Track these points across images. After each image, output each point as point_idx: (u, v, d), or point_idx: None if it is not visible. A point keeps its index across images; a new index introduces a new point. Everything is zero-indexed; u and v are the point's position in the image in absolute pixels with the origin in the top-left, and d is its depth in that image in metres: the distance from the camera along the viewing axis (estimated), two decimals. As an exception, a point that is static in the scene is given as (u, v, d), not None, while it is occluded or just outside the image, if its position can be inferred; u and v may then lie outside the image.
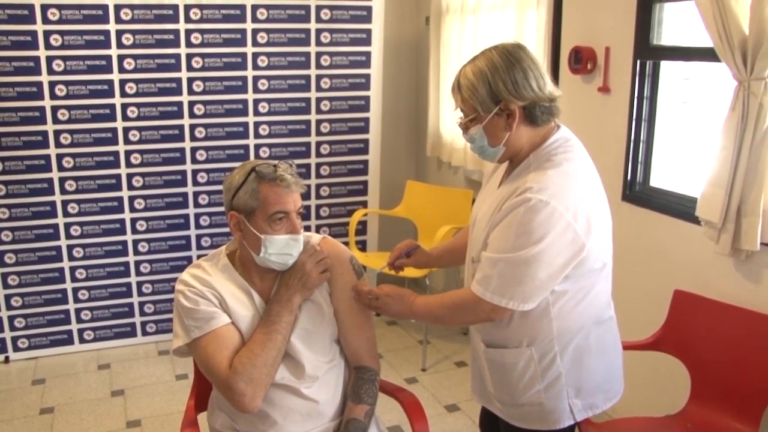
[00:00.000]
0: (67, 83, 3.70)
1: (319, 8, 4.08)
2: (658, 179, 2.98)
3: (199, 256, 2.02)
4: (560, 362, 1.84)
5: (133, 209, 4.00)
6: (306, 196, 4.28)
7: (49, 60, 3.64)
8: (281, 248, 1.85)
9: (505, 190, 1.78)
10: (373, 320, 2.07)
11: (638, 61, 2.89)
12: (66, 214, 3.88)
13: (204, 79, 3.94)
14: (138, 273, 4.12)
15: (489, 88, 1.71)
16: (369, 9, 4.20)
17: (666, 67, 2.88)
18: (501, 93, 1.70)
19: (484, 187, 2.03)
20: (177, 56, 3.86)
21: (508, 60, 1.71)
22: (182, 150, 4.01)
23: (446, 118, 4.44)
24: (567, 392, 1.86)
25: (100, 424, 3.34)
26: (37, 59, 3.62)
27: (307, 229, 4.27)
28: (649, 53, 2.85)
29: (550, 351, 1.83)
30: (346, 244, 4.11)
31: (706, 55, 2.50)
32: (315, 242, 1.99)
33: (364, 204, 4.52)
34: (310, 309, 1.94)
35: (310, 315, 1.93)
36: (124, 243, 4.04)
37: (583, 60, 3.11)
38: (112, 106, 3.81)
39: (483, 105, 1.73)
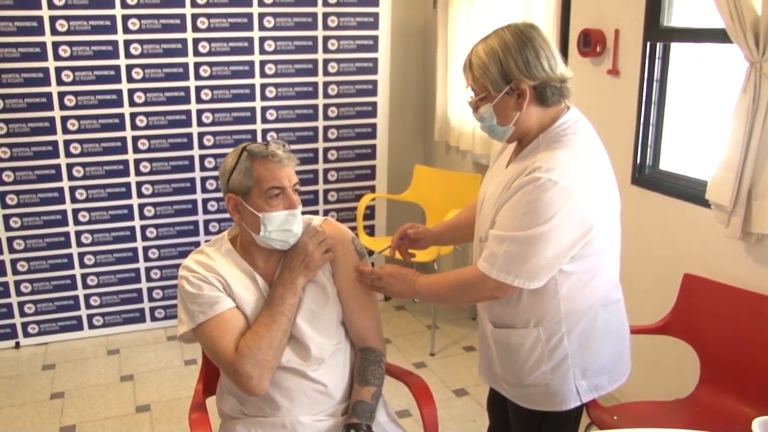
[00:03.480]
0: (73, 69, 3.69)
1: (326, -8, 4.06)
2: (668, 163, 2.95)
3: (207, 242, 2.03)
4: (567, 343, 1.84)
5: (141, 194, 4.00)
6: (313, 180, 4.31)
7: (56, 46, 3.63)
8: (280, 225, 1.85)
9: (513, 169, 1.78)
10: (377, 301, 2.07)
11: (648, 44, 2.85)
12: (74, 199, 3.88)
13: (211, 64, 3.93)
14: (146, 259, 4.13)
15: (500, 67, 1.71)
16: (376, -8, 4.17)
17: (676, 49, 2.85)
18: (512, 72, 1.70)
19: (491, 168, 2.03)
20: (184, 41, 3.84)
21: (520, 39, 1.71)
22: (189, 135, 4.00)
23: (454, 103, 4.42)
24: (573, 373, 1.87)
25: (110, 409, 3.36)
26: (43, 45, 3.61)
27: (315, 213, 4.26)
28: (659, 35, 2.82)
29: (558, 332, 1.83)
30: (354, 228, 4.12)
31: (718, 36, 2.47)
32: (317, 224, 2.00)
33: (372, 189, 4.50)
34: (314, 291, 1.94)
35: (314, 296, 1.93)
36: (132, 228, 4.05)
37: (592, 42, 3.08)
38: (119, 92, 3.80)
39: (494, 84, 1.73)
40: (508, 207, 1.72)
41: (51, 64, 3.65)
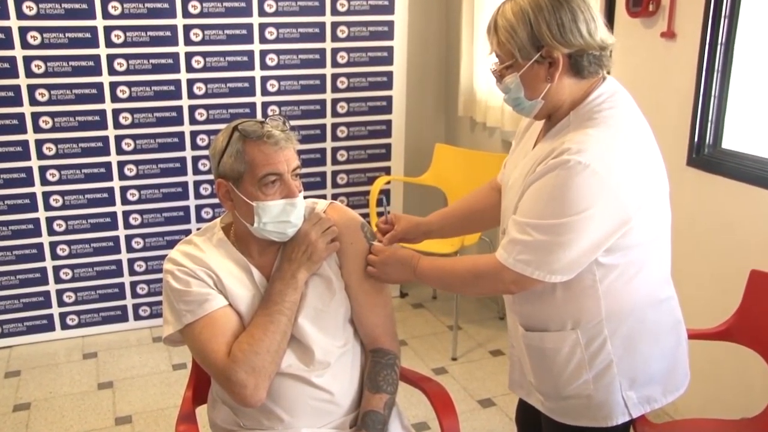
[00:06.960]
0: (41, 29, 3.64)
1: (333, -56, 4.03)
2: (732, 141, 2.90)
3: (197, 230, 2.01)
4: (611, 348, 1.80)
5: (123, 176, 3.98)
6: (321, 161, 4.28)
7: (18, 2, 3.55)
8: (277, 215, 1.84)
9: (540, 150, 1.76)
10: (391, 296, 2.07)
11: (712, -1, 2.79)
12: (45, 181, 3.86)
13: (203, 27, 3.89)
14: (129, 249, 4.11)
15: (530, 31, 1.67)
16: (392, -55, 4.13)
17: (747, 4, 2.76)
18: (544, 37, 1.66)
19: (514, 149, 2.01)
20: (171, 1, 3.80)
21: None
22: (179, 109, 3.97)
23: (480, 73, 4.38)
24: (620, 383, 1.83)
25: (85, 421, 3.34)
26: (3, 1, 3.55)
27: (323, 198, 4.23)
28: (726, -12, 2.76)
29: (599, 334, 1.80)
30: (367, 215, 4.08)
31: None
32: (321, 209, 2.00)
33: (387, 170, 4.50)
34: (317, 285, 1.93)
35: (318, 292, 1.93)
36: (113, 215, 4.02)
37: (643, 0, 3.02)
38: (97, 58, 3.76)
39: (522, 50, 1.69)
40: (532, 191, 1.69)
41: (14, 23, 3.59)
